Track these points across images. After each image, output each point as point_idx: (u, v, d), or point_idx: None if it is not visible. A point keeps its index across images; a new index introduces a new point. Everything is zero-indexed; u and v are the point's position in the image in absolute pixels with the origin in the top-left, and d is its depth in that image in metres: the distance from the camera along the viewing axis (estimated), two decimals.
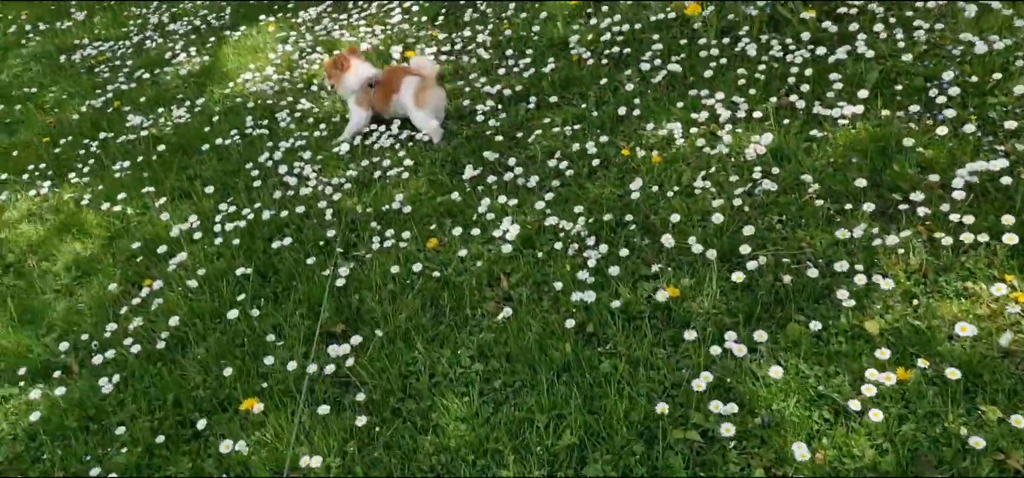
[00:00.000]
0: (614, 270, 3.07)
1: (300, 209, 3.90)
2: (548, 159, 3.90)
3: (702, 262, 3.05)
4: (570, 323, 2.87)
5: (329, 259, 3.56)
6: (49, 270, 3.95)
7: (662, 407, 2.48)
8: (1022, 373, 2.45)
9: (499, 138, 4.13)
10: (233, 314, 3.26)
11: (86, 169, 4.78)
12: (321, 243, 3.66)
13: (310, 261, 3.51)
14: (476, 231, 3.47)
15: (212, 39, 6.38)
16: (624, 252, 3.16)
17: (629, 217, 3.37)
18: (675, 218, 3.24)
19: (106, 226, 4.21)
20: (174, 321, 3.28)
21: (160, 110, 5.36)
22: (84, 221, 4.25)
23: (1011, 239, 2.72)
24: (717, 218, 3.17)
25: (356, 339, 3.02)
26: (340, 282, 3.34)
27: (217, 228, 3.88)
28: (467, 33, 5.27)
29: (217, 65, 5.97)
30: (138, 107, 5.52)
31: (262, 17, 6.52)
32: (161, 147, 4.80)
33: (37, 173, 4.83)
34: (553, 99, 4.35)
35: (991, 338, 2.52)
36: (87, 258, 3.97)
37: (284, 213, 3.88)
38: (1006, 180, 2.98)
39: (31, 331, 3.53)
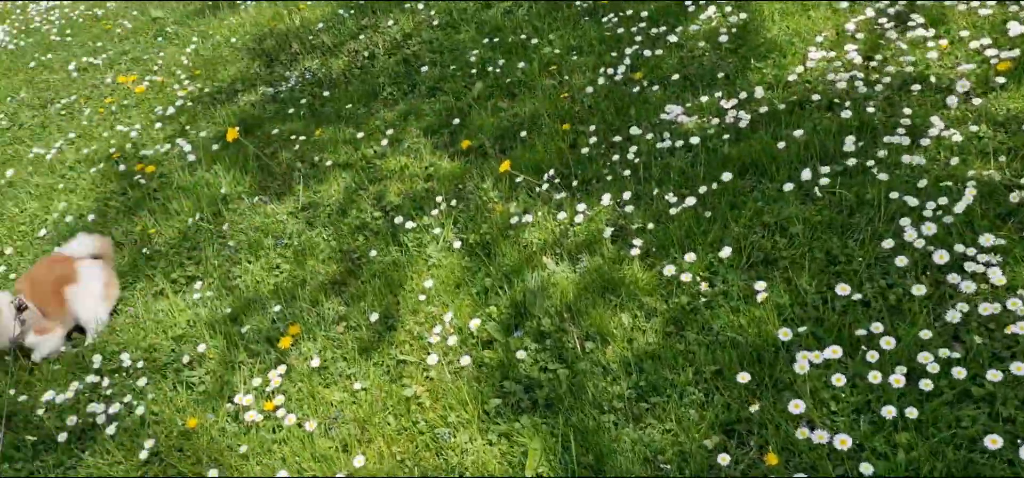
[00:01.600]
0: None
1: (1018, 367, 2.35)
2: None
3: None
4: None
5: None
6: (598, 358, 2.91)
7: None
8: None
9: None
10: None
11: (621, 185, 3.70)
12: None
13: None
14: None
15: None
16: None
17: None
18: None
19: (660, 294, 3.07)
20: None
21: (703, 99, 4.10)
22: (630, 280, 3.16)
23: None
24: None
25: None
26: None
27: (871, 372, 2.49)
28: None
29: (758, 28, 4.55)
30: (666, 87, 4.33)
31: None
32: (718, 164, 3.54)
33: (557, 179, 3.87)
34: None
35: None
36: (648, 352, 2.86)
37: (995, 376, 2.36)
38: None
39: None
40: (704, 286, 3.03)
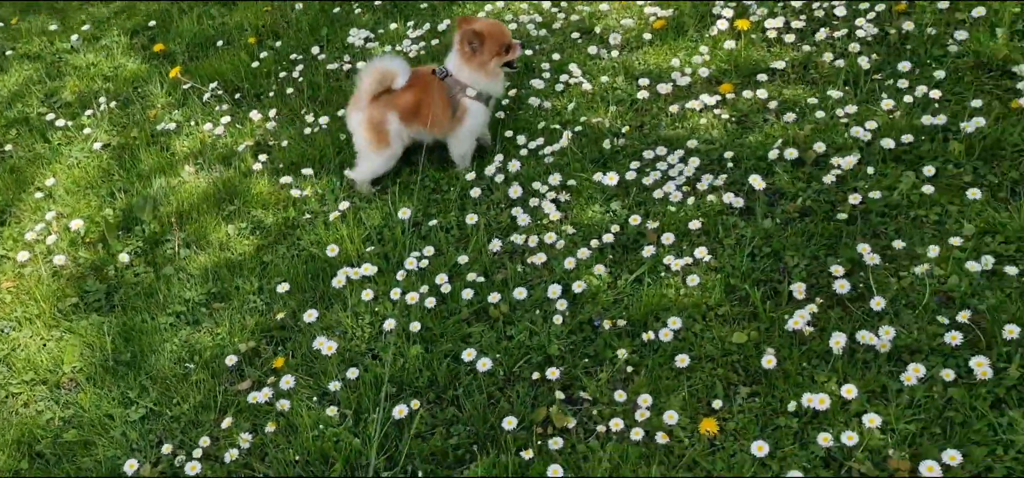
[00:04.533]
0: None
1: None
2: None
3: None
4: None
5: None
6: (187, 264, 3.08)
7: None
8: None
9: None
10: None
11: (278, 102, 3.84)
12: None
13: None
14: None
15: None
16: None
17: None
18: None
19: (277, 207, 3.25)
20: None
21: (392, 26, 4.26)
22: (255, 192, 3.33)
23: None
24: None
25: None
26: None
27: (411, 292, 2.74)
28: None
29: None
30: (372, 11, 4.47)
31: None
32: None
33: (221, 91, 3.97)
34: None
35: None
36: (231, 262, 3.04)
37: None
38: None
39: None
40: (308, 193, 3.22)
